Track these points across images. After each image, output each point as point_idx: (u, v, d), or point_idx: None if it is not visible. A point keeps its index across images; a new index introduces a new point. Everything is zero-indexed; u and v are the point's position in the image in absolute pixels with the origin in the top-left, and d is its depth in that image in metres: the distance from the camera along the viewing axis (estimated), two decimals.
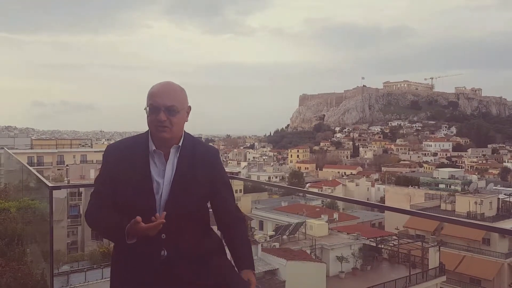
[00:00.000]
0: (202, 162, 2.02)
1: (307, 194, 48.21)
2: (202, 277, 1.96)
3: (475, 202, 38.80)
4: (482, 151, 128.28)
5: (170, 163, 1.96)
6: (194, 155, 2.01)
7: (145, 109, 1.97)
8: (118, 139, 2.23)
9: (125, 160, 1.95)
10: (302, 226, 28.20)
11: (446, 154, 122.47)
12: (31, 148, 55.93)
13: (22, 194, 5.60)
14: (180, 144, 1.99)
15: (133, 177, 1.92)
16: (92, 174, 38.11)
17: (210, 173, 2.03)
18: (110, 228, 1.92)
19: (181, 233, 1.91)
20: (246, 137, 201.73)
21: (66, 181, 43.45)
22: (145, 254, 1.90)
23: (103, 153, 2.07)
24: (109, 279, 2.10)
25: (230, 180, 2.23)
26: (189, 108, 2.02)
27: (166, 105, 1.90)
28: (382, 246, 27.22)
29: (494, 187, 52.11)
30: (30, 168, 4.47)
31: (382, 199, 57.80)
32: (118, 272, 2.01)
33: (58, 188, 3.07)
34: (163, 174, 1.95)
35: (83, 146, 71.13)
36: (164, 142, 1.96)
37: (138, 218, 1.77)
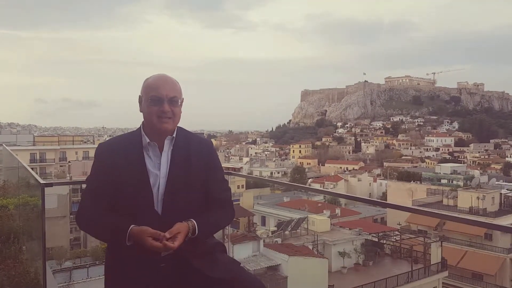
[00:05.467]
0: (197, 152, 2.00)
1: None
2: (211, 271, 1.91)
3: (478, 197, 38.71)
4: (485, 146, 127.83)
5: (164, 154, 1.95)
6: (188, 145, 1.99)
7: (140, 99, 1.97)
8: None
9: (118, 156, 1.92)
10: (304, 222, 28.20)
11: (448, 149, 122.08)
12: (34, 145, 55.96)
13: (19, 191, 5.56)
14: (174, 135, 1.98)
15: (129, 171, 1.89)
16: None
17: (205, 163, 2.01)
18: (108, 231, 1.87)
19: None
20: (248, 132, 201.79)
21: (69, 177, 43.59)
22: (144, 251, 1.83)
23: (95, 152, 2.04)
24: None
25: (232, 176, 2.21)
26: (183, 100, 2.03)
27: (169, 96, 1.92)
28: (384, 242, 27.20)
29: (497, 182, 52.01)
30: (24, 164, 4.42)
31: (384, 194, 57.78)
32: (115, 274, 1.94)
33: (50, 185, 3.03)
34: (159, 167, 1.93)
35: (85, 142, 71.23)
36: (161, 134, 1.95)
37: (150, 230, 1.77)
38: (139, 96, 2.00)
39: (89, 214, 1.93)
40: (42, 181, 2.79)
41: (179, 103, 1.96)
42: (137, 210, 1.86)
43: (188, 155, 1.97)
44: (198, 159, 1.98)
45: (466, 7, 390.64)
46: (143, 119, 2.00)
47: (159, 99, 1.90)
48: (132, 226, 1.81)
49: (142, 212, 1.86)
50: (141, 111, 1.99)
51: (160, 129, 1.92)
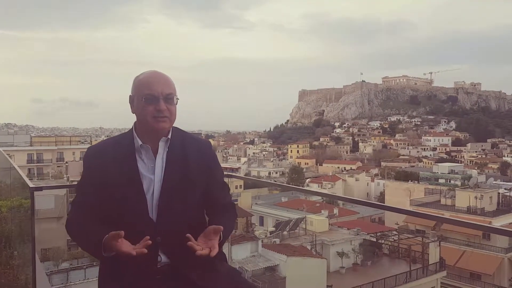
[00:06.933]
0: (195, 154, 1.87)
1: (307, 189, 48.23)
2: (211, 282, 1.79)
3: (475, 197, 38.74)
4: (482, 145, 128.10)
5: (159, 157, 1.81)
6: (185, 147, 1.86)
7: (131, 99, 1.85)
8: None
9: (108, 160, 1.79)
10: (302, 222, 28.15)
11: (445, 149, 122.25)
12: (31, 145, 55.75)
13: (11, 193, 5.44)
14: (169, 136, 1.85)
15: (120, 176, 1.76)
16: None
17: (203, 166, 1.88)
18: (88, 242, 1.76)
19: (178, 235, 1.72)
20: (246, 132, 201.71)
21: (66, 178, 43.46)
22: (139, 262, 1.67)
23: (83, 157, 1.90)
24: None
25: (227, 177, 2.10)
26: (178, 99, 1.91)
27: (164, 93, 1.78)
28: (383, 241, 27.19)
29: (494, 182, 52.01)
30: (15, 165, 4.30)
31: (382, 194, 57.79)
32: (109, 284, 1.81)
33: (40, 189, 2.91)
34: (153, 171, 1.79)
35: (82, 142, 70.91)
36: (156, 135, 1.82)
37: (119, 233, 1.61)
38: (130, 96, 1.86)
39: (76, 225, 1.81)
40: (31, 185, 2.67)
41: (175, 101, 1.83)
42: (129, 218, 1.73)
43: (185, 157, 1.84)
44: (195, 161, 1.85)
45: (463, 7, 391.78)
46: (135, 120, 1.87)
47: (154, 97, 1.76)
48: (107, 235, 1.64)
49: (135, 220, 1.73)
50: (133, 112, 1.86)
51: (156, 129, 1.79)
